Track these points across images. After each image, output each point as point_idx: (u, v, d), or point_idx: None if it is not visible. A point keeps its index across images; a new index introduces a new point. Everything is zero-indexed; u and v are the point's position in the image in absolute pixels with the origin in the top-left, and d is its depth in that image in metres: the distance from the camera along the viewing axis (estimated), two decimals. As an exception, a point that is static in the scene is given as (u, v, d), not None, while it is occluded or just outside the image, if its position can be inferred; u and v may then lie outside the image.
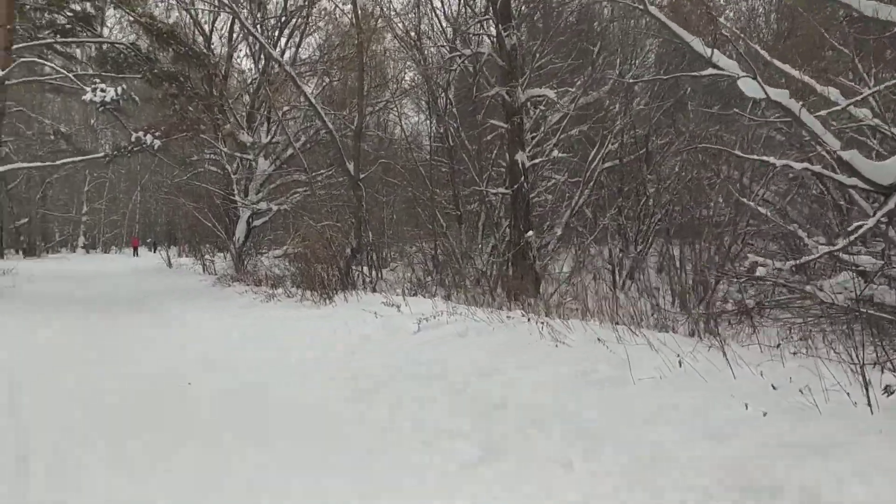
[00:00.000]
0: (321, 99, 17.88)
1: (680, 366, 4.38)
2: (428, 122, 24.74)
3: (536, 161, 14.26)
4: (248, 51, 21.92)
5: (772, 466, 2.93)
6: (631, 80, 12.02)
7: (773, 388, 3.82)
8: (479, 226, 16.70)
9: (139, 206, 51.11)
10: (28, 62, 13.77)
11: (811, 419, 3.33)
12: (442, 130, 16.70)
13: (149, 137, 12.06)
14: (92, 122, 38.60)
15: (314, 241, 10.33)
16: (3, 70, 12.44)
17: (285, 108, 18.03)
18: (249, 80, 21.33)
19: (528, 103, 14.60)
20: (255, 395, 5.41)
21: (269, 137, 20.24)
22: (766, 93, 5.97)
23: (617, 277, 15.53)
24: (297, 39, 20.19)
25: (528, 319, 6.19)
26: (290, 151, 21.52)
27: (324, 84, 19.60)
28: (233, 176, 22.47)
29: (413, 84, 20.11)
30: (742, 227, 11.43)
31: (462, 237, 16.54)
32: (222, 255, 26.61)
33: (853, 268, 6.90)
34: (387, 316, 7.55)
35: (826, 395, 3.55)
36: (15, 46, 12.93)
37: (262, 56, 21.08)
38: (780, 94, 6.05)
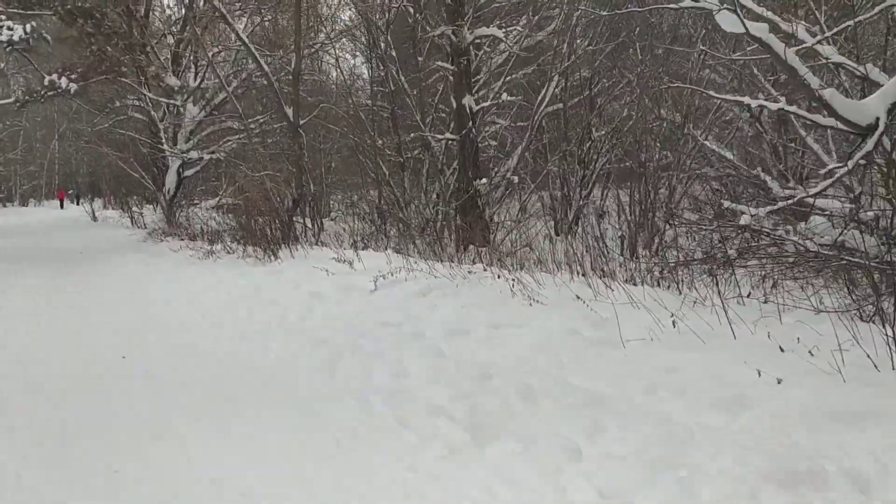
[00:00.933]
0: (252, 40, 16.76)
1: (674, 325, 4.05)
2: (366, 65, 23.82)
3: (484, 105, 13.72)
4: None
5: (808, 447, 2.61)
6: (585, 14, 11.45)
7: (782, 350, 3.52)
8: (423, 173, 16.24)
9: (58, 156, 48.23)
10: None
11: (834, 386, 3.03)
12: (383, 74, 16.00)
13: (64, 80, 10.99)
14: (1, 65, 35.84)
15: (254, 192, 9.61)
16: None
17: (215, 50, 16.84)
18: (174, 20, 19.87)
19: (472, 45, 13.97)
20: (209, 365, 4.86)
21: (198, 81, 19.02)
22: (745, 27, 5.58)
23: (560, 224, 15.44)
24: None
25: (498, 276, 5.76)
26: (221, 96, 20.35)
27: (255, 24, 18.43)
28: (159, 124, 21.21)
29: (351, 24, 19.15)
30: (686, 171, 11.30)
31: (406, 185, 16.12)
32: (151, 207, 25.34)
33: (822, 212, 6.73)
34: (339, 273, 7.03)
35: (842, 357, 3.26)
36: None
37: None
38: (759, 29, 5.67)
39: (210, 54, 15.91)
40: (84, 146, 26.41)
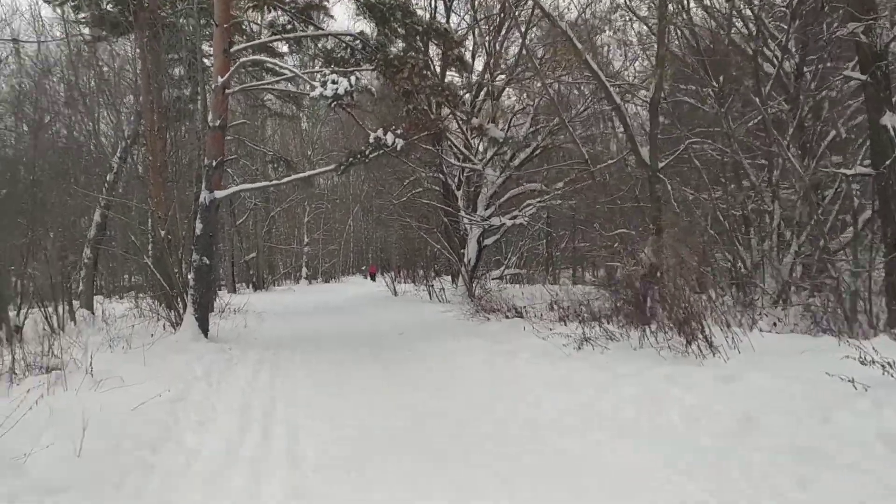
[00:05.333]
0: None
1: None
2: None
3: (915, 124, 9.91)
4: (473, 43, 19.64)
5: None
6: None
7: None
8: (775, 228, 12.89)
9: (352, 235, 51.39)
10: (248, 66, 11.94)
11: None
12: (722, 111, 12.96)
13: (389, 136, 9.45)
14: (308, 153, 38.85)
15: (653, 255, 6.89)
16: (222, 76, 10.53)
17: (553, 82, 14.69)
18: (475, 78, 18.75)
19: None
20: None
21: (505, 132, 17.39)
22: None
23: None
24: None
25: None
26: (522, 156, 18.74)
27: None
28: (457, 192, 20.15)
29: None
30: None
31: (753, 243, 12.96)
32: (448, 279, 24.32)
33: None
34: (877, 386, 3.90)
35: None
36: (233, 48, 11.04)
37: (488, 47, 18.68)
38: None
39: (550, 87, 13.82)
40: (386, 218, 26.39)
